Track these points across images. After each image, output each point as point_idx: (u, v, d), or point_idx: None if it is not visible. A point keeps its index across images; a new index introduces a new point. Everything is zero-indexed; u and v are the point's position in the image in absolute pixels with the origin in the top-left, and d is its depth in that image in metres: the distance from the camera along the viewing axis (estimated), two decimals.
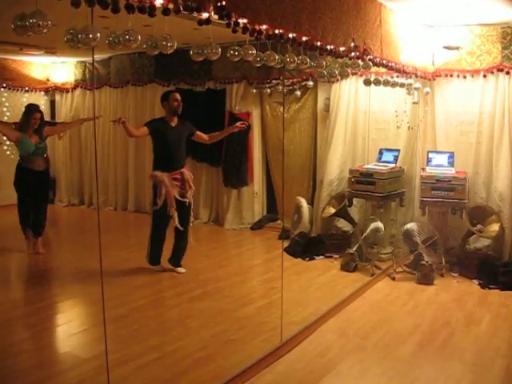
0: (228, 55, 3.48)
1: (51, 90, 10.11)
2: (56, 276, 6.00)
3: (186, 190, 5.58)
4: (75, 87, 9.79)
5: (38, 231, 6.42)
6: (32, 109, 6.19)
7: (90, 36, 2.35)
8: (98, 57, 9.22)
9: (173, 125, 5.58)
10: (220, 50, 3.27)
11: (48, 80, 10.00)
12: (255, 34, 3.26)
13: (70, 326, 4.48)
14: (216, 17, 2.93)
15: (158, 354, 3.90)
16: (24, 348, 4.03)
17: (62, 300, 5.15)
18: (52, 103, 10.26)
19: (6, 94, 9.40)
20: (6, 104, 9.35)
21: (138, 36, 2.66)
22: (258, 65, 3.72)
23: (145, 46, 2.83)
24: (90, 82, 9.49)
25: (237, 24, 3.05)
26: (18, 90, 9.50)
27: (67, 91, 9.93)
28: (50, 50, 7.88)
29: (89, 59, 9.24)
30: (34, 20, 2.08)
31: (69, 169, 9.98)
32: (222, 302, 5.01)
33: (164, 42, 2.79)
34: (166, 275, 5.74)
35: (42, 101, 9.97)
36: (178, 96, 5.58)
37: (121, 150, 9.22)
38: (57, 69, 9.87)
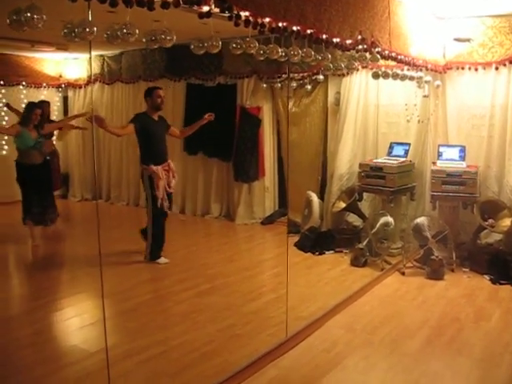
0: (230, 48, 3.46)
1: (64, 87, 10.17)
2: (64, 269, 6.06)
3: (171, 180, 5.86)
4: (94, 81, 9.76)
5: (47, 221, 6.63)
6: (33, 105, 6.50)
7: (87, 30, 2.35)
8: (109, 52, 9.26)
9: (156, 119, 5.82)
10: (220, 43, 3.25)
11: (60, 76, 10.06)
12: (258, 27, 3.23)
13: (77, 320, 4.52)
14: (217, 10, 2.92)
15: (164, 348, 3.91)
16: (31, 342, 4.06)
17: (70, 294, 5.18)
18: (65, 99, 10.32)
19: (22, 91, 9.48)
20: (25, 100, 9.40)
21: (136, 30, 2.65)
22: (262, 58, 3.70)
23: (144, 39, 2.82)
24: (106, 76, 9.52)
25: (239, 17, 3.03)
26: (31, 86, 9.58)
27: (80, 87, 9.98)
28: (62, 47, 7.93)
29: (105, 53, 9.32)
30: (29, 14, 2.09)
31: (82, 164, 10.03)
32: (230, 297, 5.00)
33: (163, 36, 2.78)
34: (175, 270, 5.76)
35: (55, 97, 10.08)
36: (161, 93, 5.81)
37: (133, 146, 9.19)
38: (69, 65, 9.92)
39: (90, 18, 2.37)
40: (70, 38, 2.40)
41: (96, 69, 9.63)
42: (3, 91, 9.30)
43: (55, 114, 9.66)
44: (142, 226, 6.00)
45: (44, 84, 9.81)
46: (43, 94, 9.69)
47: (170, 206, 6.07)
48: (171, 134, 6.15)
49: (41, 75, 9.70)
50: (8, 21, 2.15)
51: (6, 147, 9.16)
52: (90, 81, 9.70)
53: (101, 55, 9.43)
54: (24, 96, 9.44)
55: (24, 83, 9.44)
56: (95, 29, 2.38)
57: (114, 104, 9.49)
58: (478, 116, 6.17)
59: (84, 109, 9.81)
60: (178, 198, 8.70)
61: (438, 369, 3.68)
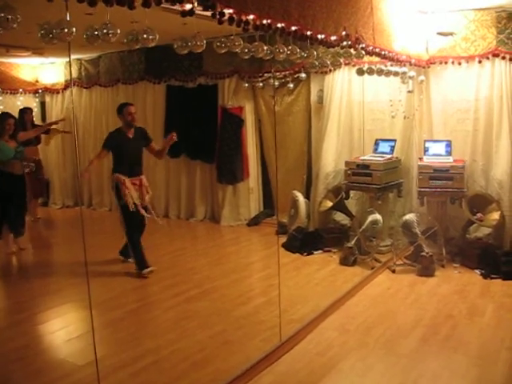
0: (214, 47, 3.36)
1: (41, 92, 9.97)
2: (48, 280, 5.80)
3: (144, 195, 5.68)
4: (66, 87, 9.61)
5: (20, 231, 6.52)
6: (5, 116, 6.34)
7: (66, 30, 2.22)
8: (87, 56, 9.11)
9: (130, 136, 5.65)
10: (205, 41, 3.14)
11: (37, 81, 9.86)
12: (242, 25, 3.13)
13: (64, 332, 4.37)
14: (200, 8, 2.82)
15: (155, 357, 3.80)
16: (17, 356, 3.90)
17: (55, 305, 5.00)
18: (42, 105, 10.13)
19: (0, 98, 9.28)
20: (0, 107, 9.20)
21: (117, 30, 2.54)
22: (247, 56, 3.60)
23: (125, 40, 2.70)
24: (84, 80, 9.36)
25: (222, 14, 2.93)
26: (7, 92, 9.37)
27: (57, 92, 9.79)
28: (38, 51, 7.75)
29: (82, 56, 9.16)
30: (2, 14, 1.96)
31: (62, 171, 9.84)
32: (219, 302, 4.91)
33: (145, 35, 2.66)
34: (162, 275, 5.63)
35: (33, 103, 9.84)
36: (132, 109, 5.64)
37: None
38: (46, 70, 9.72)
39: (68, 19, 2.24)
40: (47, 40, 2.28)
41: (73, 73, 9.44)
42: None
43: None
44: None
45: (20, 90, 9.59)
46: (20, 100, 9.51)
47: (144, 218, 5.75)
48: (150, 150, 5.89)
49: (17, 81, 9.49)
50: None
51: None
52: (69, 84, 9.51)
53: (78, 59, 9.27)
54: (4, 103, 9.23)
55: (1, 89, 9.23)
56: (74, 29, 2.26)
57: (93, 108, 9.33)
58: (463, 110, 6.15)
59: (62, 114, 9.63)
60: (162, 202, 8.58)
61: (435, 368, 3.62)
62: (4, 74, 9.26)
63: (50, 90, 9.88)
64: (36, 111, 10.00)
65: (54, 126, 8.34)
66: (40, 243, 7.66)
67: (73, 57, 9.17)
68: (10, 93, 9.45)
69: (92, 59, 9.14)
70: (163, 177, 8.59)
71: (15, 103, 9.28)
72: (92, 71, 9.21)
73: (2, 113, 6.60)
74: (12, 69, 9.37)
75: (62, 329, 4.46)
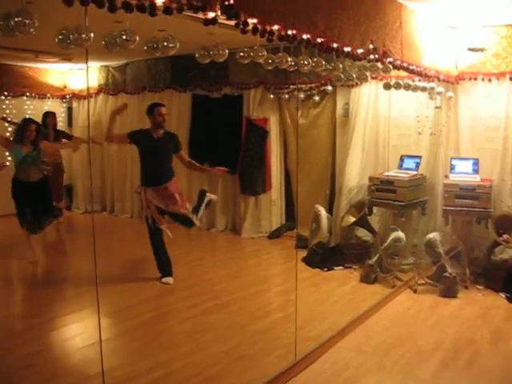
0: (237, 57, 3.31)
1: (69, 97, 10.06)
2: (65, 286, 5.80)
3: (174, 202, 5.55)
4: (98, 92, 9.63)
5: (34, 230, 6.25)
6: (27, 122, 6.30)
7: (83, 36, 2.19)
8: (114, 63, 9.17)
9: (155, 137, 5.51)
10: (227, 51, 3.09)
11: (65, 87, 9.95)
12: (266, 35, 3.08)
13: (78, 340, 4.33)
14: (224, 17, 2.78)
15: (167, 370, 3.74)
16: (28, 363, 3.85)
17: (70, 312, 4.97)
18: (69, 110, 10.21)
19: (26, 102, 9.40)
20: (28, 112, 9.30)
21: (136, 36, 2.50)
22: (270, 67, 3.55)
23: (145, 47, 2.67)
24: (111, 87, 9.43)
25: (246, 24, 2.88)
26: (35, 97, 9.49)
27: (84, 98, 9.86)
28: (66, 57, 7.80)
29: (110, 63, 9.24)
30: (19, 19, 1.92)
31: (85, 177, 9.88)
32: (236, 315, 4.82)
33: (165, 43, 2.61)
34: (179, 286, 5.57)
35: (60, 108, 9.97)
36: (163, 110, 5.50)
37: (137, 158, 9.08)
38: (74, 75, 9.81)
39: (87, 24, 2.21)
40: (65, 45, 2.25)
41: (101, 79, 9.52)
42: (7, 102, 9.20)
43: (60, 125, 9.51)
44: (145, 240, 5.76)
45: (48, 95, 9.72)
46: (47, 105, 9.62)
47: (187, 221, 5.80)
48: (179, 158, 5.73)
49: (45, 86, 9.61)
50: None
51: (9, 158, 9.05)
52: (98, 90, 9.56)
53: (106, 66, 9.34)
54: (27, 107, 9.34)
55: (28, 94, 9.36)
56: (92, 35, 2.23)
57: (119, 115, 9.34)
58: (492, 128, 5.99)
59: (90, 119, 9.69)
60: None
61: None
62: (32, 79, 9.38)
63: (78, 96, 9.97)
64: (63, 116, 10.11)
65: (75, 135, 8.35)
66: (60, 247, 7.68)
67: (100, 63, 9.25)
68: (38, 98, 9.59)
69: (119, 66, 9.19)
70: (185, 186, 8.53)
71: (43, 108, 9.35)
72: (119, 78, 9.26)
73: (25, 118, 6.53)
74: (40, 74, 9.49)
75: (76, 336, 4.42)
